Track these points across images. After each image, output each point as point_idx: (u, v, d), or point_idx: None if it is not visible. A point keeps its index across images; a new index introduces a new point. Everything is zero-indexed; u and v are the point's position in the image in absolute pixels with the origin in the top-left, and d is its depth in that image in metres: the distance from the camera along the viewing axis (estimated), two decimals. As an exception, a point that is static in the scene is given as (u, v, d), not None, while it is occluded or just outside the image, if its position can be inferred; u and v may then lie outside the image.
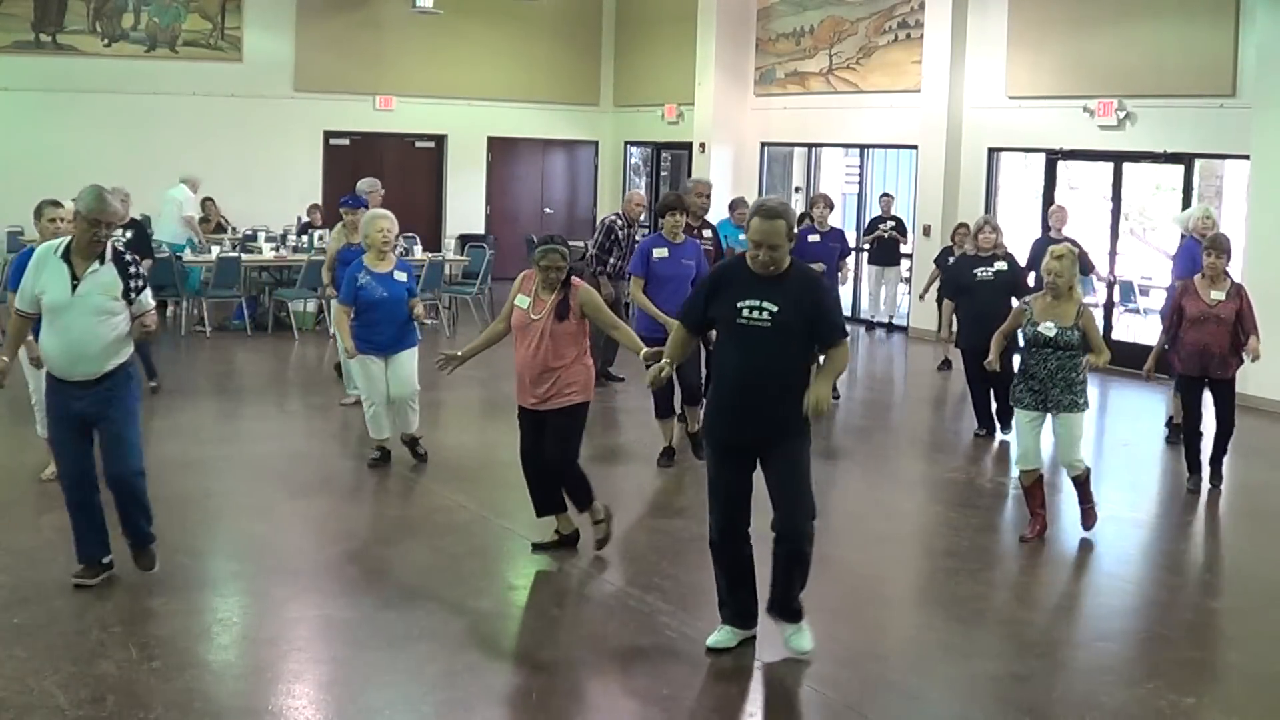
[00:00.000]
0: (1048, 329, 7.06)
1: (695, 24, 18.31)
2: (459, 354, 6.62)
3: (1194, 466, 8.46)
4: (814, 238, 10.95)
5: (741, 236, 11.59)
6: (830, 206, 11.24)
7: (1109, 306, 14.25)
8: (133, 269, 5.83)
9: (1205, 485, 8.43)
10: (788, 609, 5.37)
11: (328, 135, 19.03)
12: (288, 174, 18.08)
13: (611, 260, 10.99)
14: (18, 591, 5.92)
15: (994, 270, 9.56)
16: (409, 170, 19.88)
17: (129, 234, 10.55)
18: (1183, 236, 10.52)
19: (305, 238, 14.96)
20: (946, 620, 6.12)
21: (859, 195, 17.93)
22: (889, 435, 10.66)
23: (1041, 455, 7.28)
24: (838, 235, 11.26)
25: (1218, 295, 8.15)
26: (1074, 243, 11.36)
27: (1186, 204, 13.58)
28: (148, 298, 5.93)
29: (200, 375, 12.16)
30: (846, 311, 16.66)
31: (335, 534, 7.19)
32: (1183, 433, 8.72)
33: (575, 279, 6.44)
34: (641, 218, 11.61)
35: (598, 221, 11.82)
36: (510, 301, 6.50)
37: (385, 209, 8.80)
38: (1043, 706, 5.10)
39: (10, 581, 6.06)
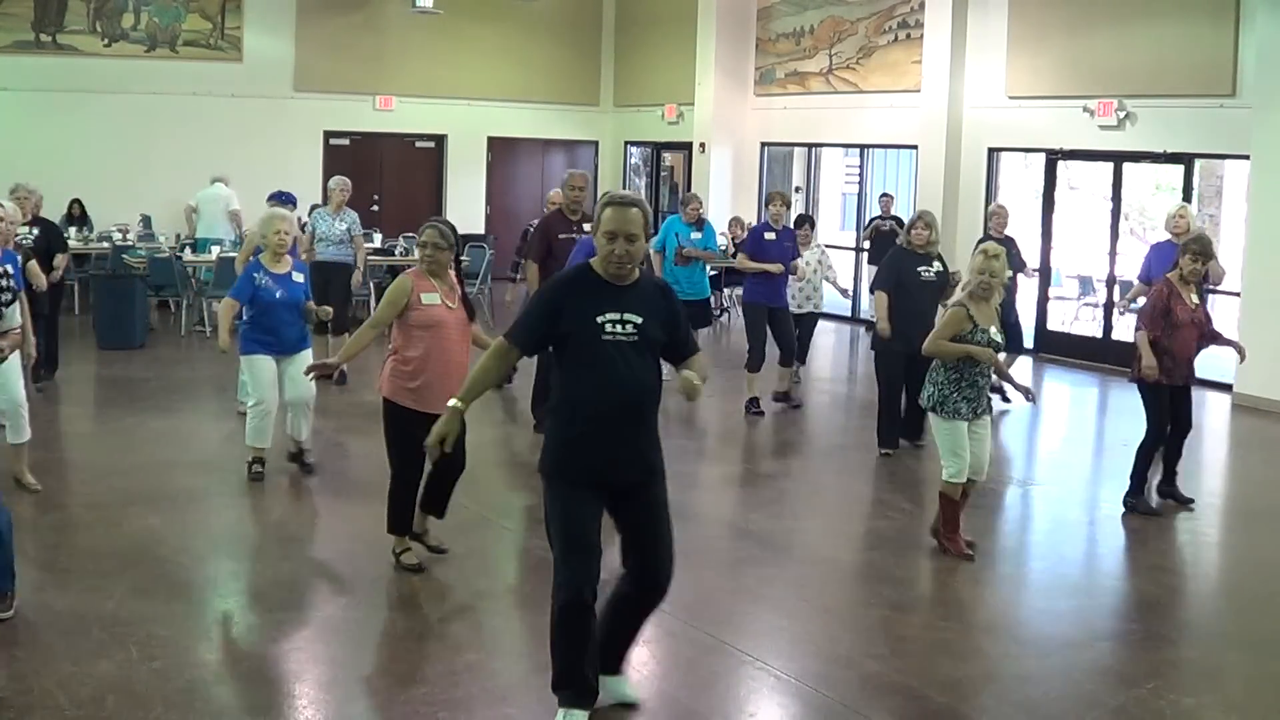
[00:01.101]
0: (997, 334, 6.78)
1: (695, 24, 18.33)
2: (332, 362, 6.46)
3: (1144, 485, 8.04)
4: (770, 235, 10.58)
5: (694, 235, 11.54)
6: (787, 205, 10.82)
7: (1109, 306, 14.25)
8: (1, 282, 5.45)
9: (1157, 501, 8.15)
10: (621, 661, 4.88)
11: (328, 135, 19.03)
12: (288, 174, 17.98)
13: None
14: (18, 591, 5.91)
15: (935, 270, 9.13)
16: (409, 170, 19.90)
17: (35, 231, 10.33)
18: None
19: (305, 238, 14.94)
20: (946, 620, 6.12)
21: (859, 195, 17.94)
22: (869, 434, 10.63)
23: None
24: (791, 235, 10.89)
25: (1194, 298, 7.87)
26: (1012, 242, 11.32)
27: (1185, 201, 13.62)
28: (14, 314, 5.52)
29: (200, 375, 12.16)
30: (845, 311, 16.66)
31: (335, 534, 7.19)
32: (1139, 449, 8.08)
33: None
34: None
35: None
36: (397, 301, 6.17)
37: (284, 212, 8.55)
38: (1043, 706, 5.10)
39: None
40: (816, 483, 8.93)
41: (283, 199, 10.62)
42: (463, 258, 16.73)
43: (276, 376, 7.98)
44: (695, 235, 11.51)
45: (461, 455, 6.23)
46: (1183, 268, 7.76)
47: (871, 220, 16.25)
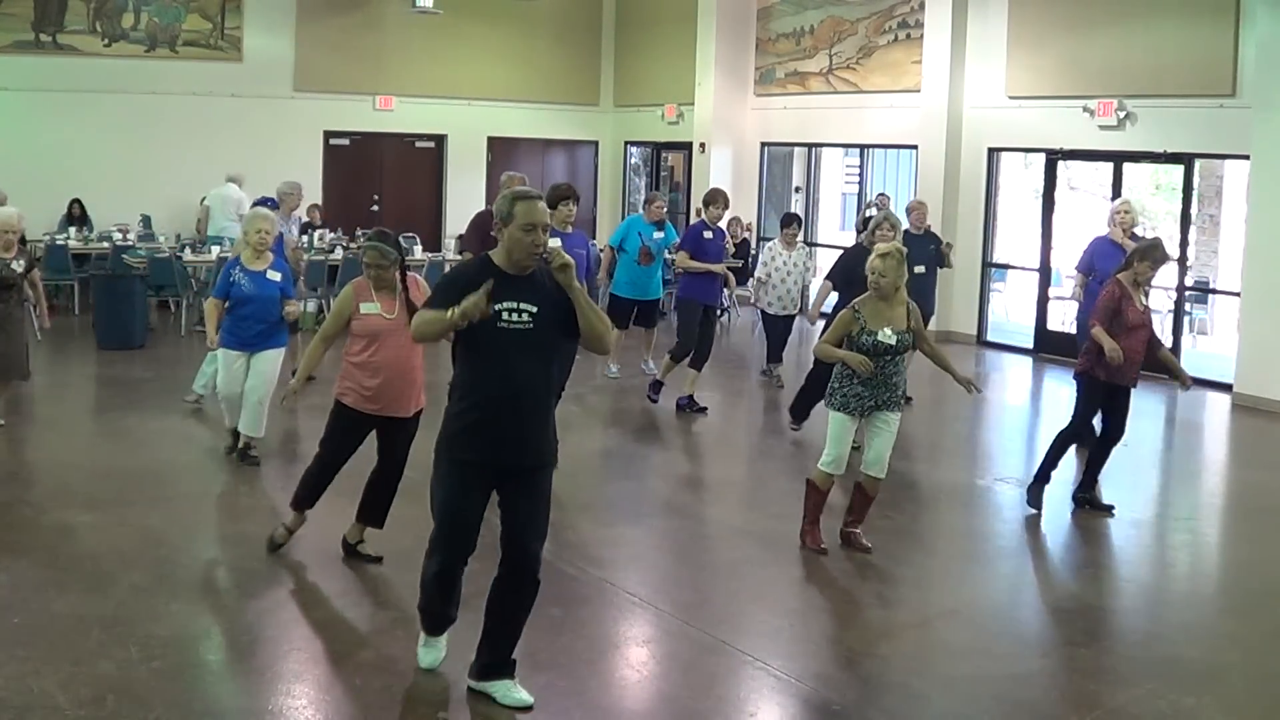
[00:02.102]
0: (887, 337, 6.63)
1: (695, 24, 18.32)
2: (297, 385, 6.44)
3: (1048, 476, 7.94)
4: (708, 234, 10.61)
5: (656, 235, 11.43)
6: (727, 205, 10.84)
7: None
8: None
9: (1051, 504, 7.96)
10: (509, 659, 4.94)
11: (328, 135, 19.03)
12: (288, 174, 17.91)
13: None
14: (18, 591, 5.92)
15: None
16: (409, 170, 19.89)
17: None
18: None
19: (305, 238, 14.95)
20: (946, 620, 6.12)
21: (859, 195, 17.93)
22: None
23: None
24: (723, 234, 10.99)
25: (1143, 300, 7.77)
26: (934, 238, 11.31)
27: (1187, 204, 13.62)
28: None
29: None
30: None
31: (335, 534, 7.18)
32: (1058, 439, 7.98)
33: (411, 275, 6.35)
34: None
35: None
36: (342, 311, 6.27)
37: (266, 212, 8.72)
38: (1043, 706, 5.10)
39: (10, 581, 6.06)
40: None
41: (271, 205, 10.93)
42: (461, 256, 16.86)
43: (243, 372, 8.25)
44: (657, 235, 11.44)
45: (401, 462, 6.45)
46: (1138, 273, 7.68)
47: (868, 221, 16.19)
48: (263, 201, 11.10)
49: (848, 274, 9.07)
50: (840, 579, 6.73)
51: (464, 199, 20.08)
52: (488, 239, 9.46)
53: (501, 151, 20.37)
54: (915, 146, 15.76)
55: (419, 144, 19.91)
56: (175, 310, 14.94)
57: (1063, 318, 15.92)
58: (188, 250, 15.14)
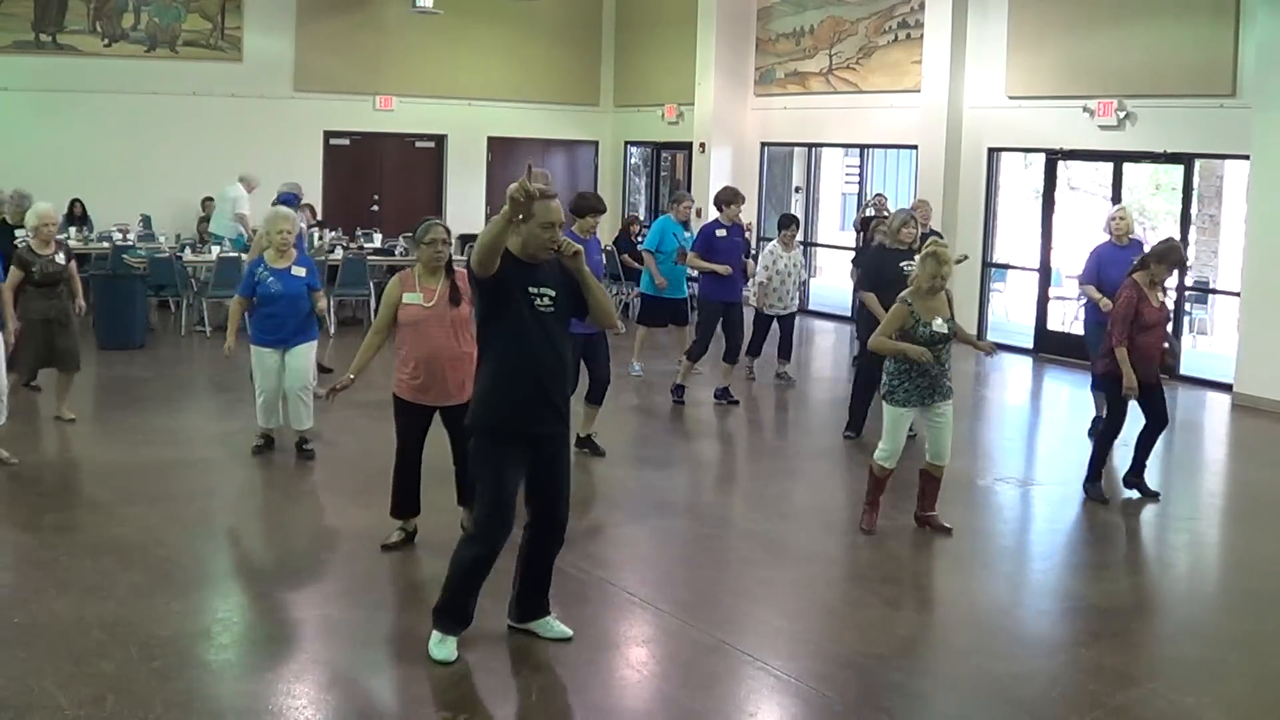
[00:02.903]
0: (940, 326, 7.02)
1: (695, 24, 18.32)
2: (350, 377, 6.54)
3: (1100, 473, 8.23)
4: (721, 232, 10.76)
5: (687, 234, 11.43)
6: (743, 202, 10.97)
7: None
8: None
9: (1124, 494, 8.25)
10: (546, 600, 5.50)
11: (328, 135, 19.03)
12: (288, 174, 17.98)
13: None
14: (18, 591, 5.92)
15: (916, 263, 9.26)
16: (409, 170, 19.90)
17: None
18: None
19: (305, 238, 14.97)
20: (946, 620, 6.12)
21: (859, 195, 17.93)
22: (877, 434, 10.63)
23: None
24: (741, 231, 11.10)
25: (1160, 297, 8.03)
26: (939, 235, 11.37)
27: (1187, 203, 13.62)
28: None
29: (200, 375, 12.17)
30: (847, 310, 16.65)
31: (335, 533, 7.19)
32: (1101, 438, 8.33)
33: (457, 267, 6.55)
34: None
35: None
36: (389, 306, 6.48)
37: (288, 211, 8.86)
38: (1043, 706, 5.10)
39: (10, 581, 6.06)
40: (816, 483, 8.93)
41: (287, 200, 11.04)
42: (461, 256, 16.89)
43: (279, 367, 8.40)
44: (687, 234, 11.48)
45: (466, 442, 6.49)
46: (1155, 275, 7.91)
47: (865, 222, 16.16)
48: (287, 199, 11.14)
49: (879, 277, 9.34)
50: (840, 579, 6.74)
51: (464, 199, 20.10)
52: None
53: (501, 151, 20.38)
54: (915, 146, 15.76)
55: (419, 144, 19.92)
56: (175, 310, 14.94)
57: (1063, 317, 15.94)
58: (188, 250, 15.15)
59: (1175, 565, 7.32)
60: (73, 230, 16.04)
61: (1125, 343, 7.88)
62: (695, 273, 11.23)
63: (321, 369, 11.38)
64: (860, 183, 18.01)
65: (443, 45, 19.32)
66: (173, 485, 7.95)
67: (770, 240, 12.80)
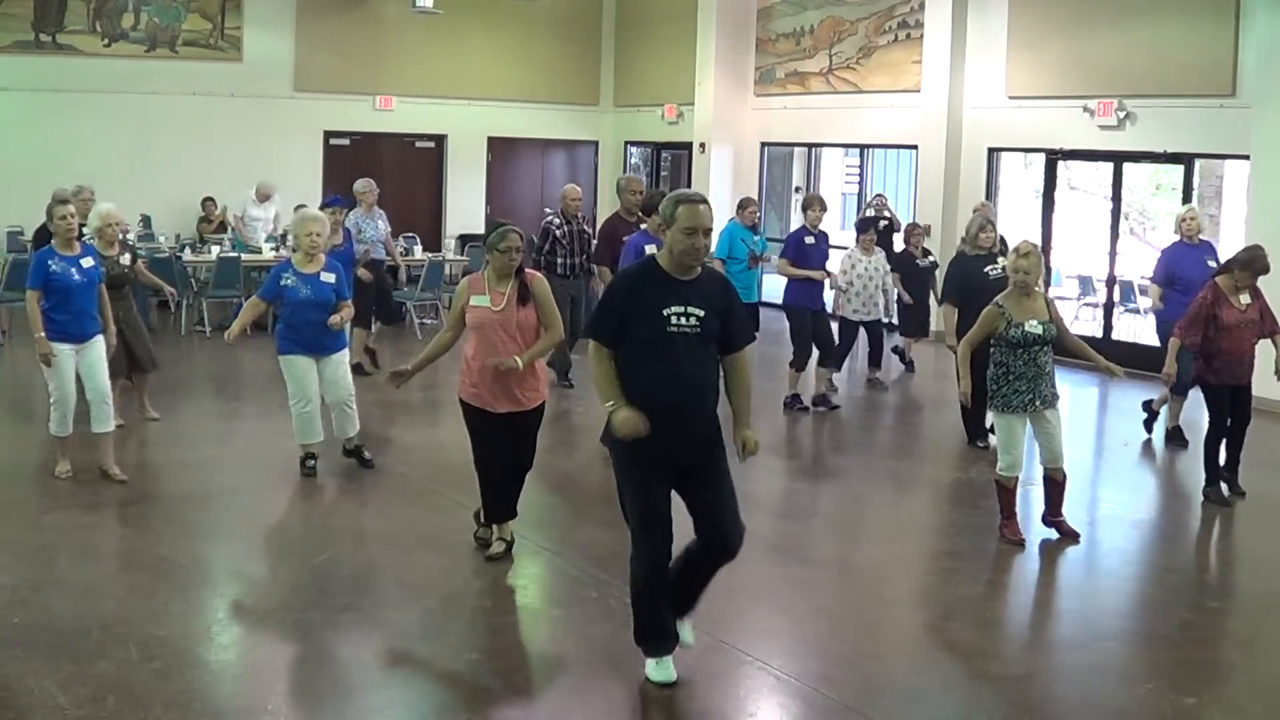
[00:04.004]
0: (1034, 327, 6.99)
1: (695, 24, 18.32)
2: (409, 368, 6.50)
3: (1217, 477, 8.27)
4: (810, 240, 10.71)
5: (756, 237, 11.48)
6: (824, 208, 10.90)
7: (1109, 307, 14.25)
8: None
9: (1227, 492, 8.28)
10: (692, 604, 5.27)
11: (328, 135, 19.02)
12: (288, 174, 18.06)
13: (559, 260, 10.93)
14: (18, 591, 5.92)
15: (1001, 267, 9.01)
16: (409, 170, 19.88)
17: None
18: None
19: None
20: (947, 620, 6.12)
21: (859, 195, 17.93)
22: (884, 435, 10.65)
23: None
24: (826, 238, 11.00)
25: (1245, 299, 8.06)
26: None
27: (1187, 204, 13.61)
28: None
29: (199, 375, 12.17)
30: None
31: (335, 534, 7.19)
32: (1206, 442, 8.34)
33: (526, 269, 6.44)
34: (579, 214, 11.29)
35: (541, 225, 11.45)
36: (458, 307, 6.42)
37: (317, 213, 8.57)
38: (1043, 706, 5.10)
39: (10, 581, 6.06)
40: (817, 483, 8.93)
41: (337, 204, 10.80)
42: (462, 256, 16.91)
43: (314, 374, 8.01)
44: (755, 238, 11.47)
45: (525, 457, 6.53)
46: (1238, 280, 8.03)
47: (863, 222, 16.09)
48: (333, 201, 10.88)
49: (963, 286, 9.17)
50: (840, 579, 6.74)
51: (464, 199, 20.10)
52: (616, 248, 9.70)
53: (501, 151, 20.38)
54: (915, 147, 15.76)
55: (419, 144, 19.91)
56: (175, 310, 14.93)
57: (1064, 317, 15.92)
58: (187, 250, 15.15)
59: (1176, 565, 7.32)
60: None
61: (1184, 339, 8.08)
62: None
63: (372, 359, 11.58)
64: (860, 183, 18.01)
65: (443, 45, 19.31)
66: (172, 485, 7.95)
67: (847, 249, 12.56)
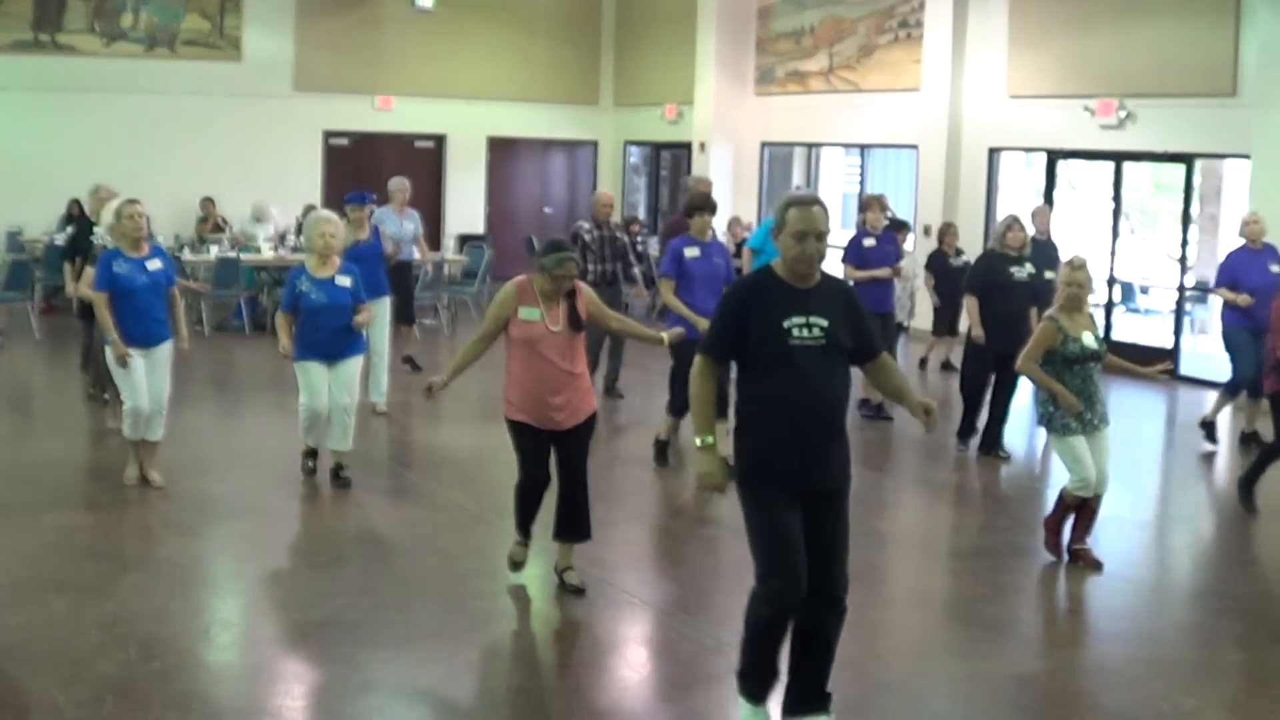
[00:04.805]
0: (1091, 342, 6.67)
1: (695, 24, 18.31)
2: (444, 379, 6.04)
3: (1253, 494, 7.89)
4: (869, 242, 10.33)
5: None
6: (884, 209, 10.52)
7: (1109, 307, 14.24)
8: None
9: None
10: (824, 693, 4.57)
11: (327, 135, 19.02)
12: (287, 174, 18.08)
13: (590, 268, 10.49)
14: (18, 591, 5.92)
15: (1027, 270, 9.11)
16: (409, 170, 19.68)
17: (70, 229, 10.57)
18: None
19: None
20: (947, 620, 6.12)
21: (859, 195, 17.92)
22: (888, 435, 10.64)
23: None
24: (892, 238, 10.66)
25: None
26: (1052, 244, 11.08)
27: (1187, 203, 13.61)
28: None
29: (200, 375, 12.16)
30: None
31: (335, 534, 7.19)
32: (1263, 454, 8.02)
33: (579, 284, 6.03)
34: (611, 219, 10.90)
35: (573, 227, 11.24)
36: (500, 314, 5.90)
37: (329, 214, 8.26)
38: (1043, 706, 5.10)
39: (10, 581, 6.06)
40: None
41: (359, 200, 10.27)
42: (461, 256, 16.91)
43: (325, 381, 7.76)
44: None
45: (580, 470, 6.06)
46: None
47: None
48: (358, 198, 10.27)
49: (986, 278, 9.07)
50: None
51: (464, 199, 20.10)
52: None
53: (501, 151, 20.38)
54: (915, 146, 15.75)
55: (419, 144, 19.91)
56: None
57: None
58: (187, 250, 15.14)
59: (1175, 565, 7.32)
60: (71, 230, 16.04)
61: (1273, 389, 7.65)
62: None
63: (413, 365, 11.53)
64: (860, 183, 18.00)
65: (443, 45, 19.31)
66: (172, 485, 7.94)
67: None
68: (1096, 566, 6.78)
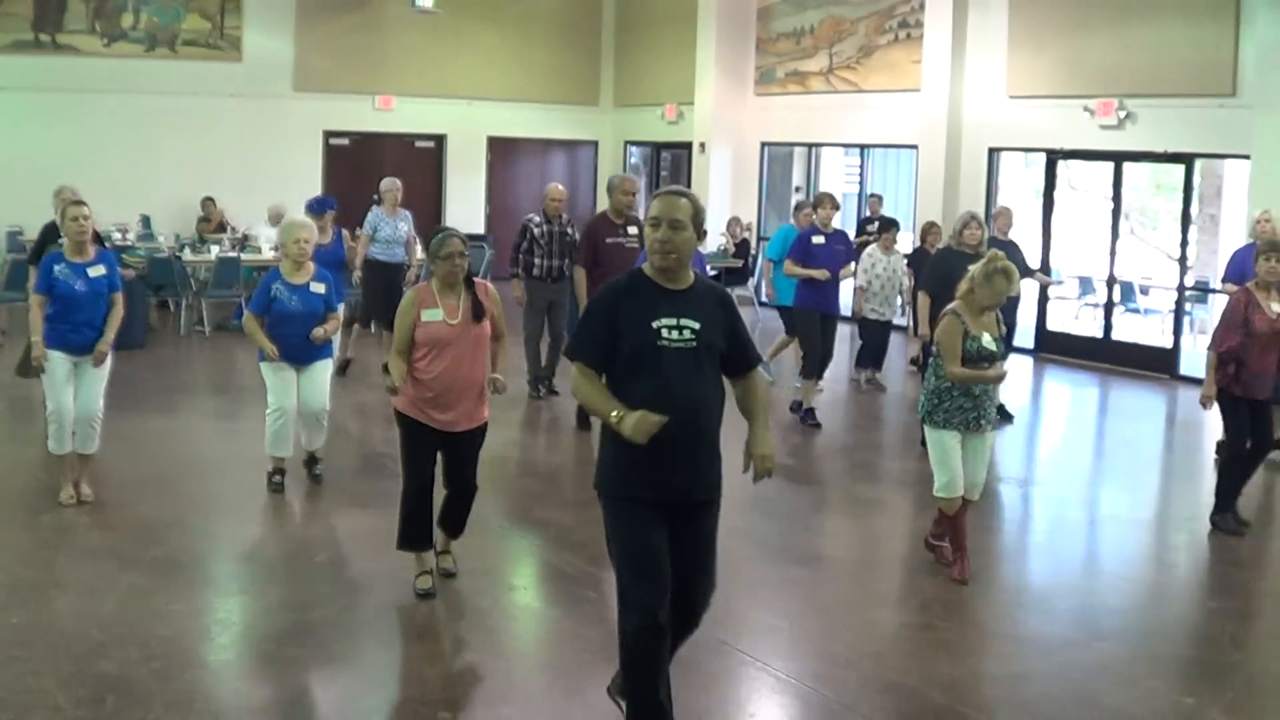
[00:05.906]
0: (989, 344, 6.43)
1: (695, 24, 18.33)
2: (399, 385, 5.89)
3: (1231, 504, 7.58)
4: (818, 239, 10.22)
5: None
6: (836, 207, 10.45)
7: (1109, 307, 14.24)
8: None
9: (1236, 521, 7.62)
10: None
11: (327, 135, 19.03)
12: (288, 174, 18.06)
13: (536, 262, 10.42)
14: (18, 592, 5.92)
15: None
16: (409, 170, 19.79)
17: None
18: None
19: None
20: (946, 620, 6.12)
21: (859, 195, 17.93)
22: (882, 434, 10.64)
23: None
24: (842, 238, 10.52)
25: (1276, 307, 7.27)
26: (1015, 246, 10.94)
27: (1187, 203, 13.62)
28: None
29: (200, 375, 12.17)
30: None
31: (336, 534, 7.18)
32: (1226, 463, 7.74)
33: (479, 279, 6.02)
34: (562, 214, 10.71)
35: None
36: (405, 324, 5.87)
37: (304, 220, 8.07)
38: (1041, 706, 5.10)
39: (10, 581, 6.06)
40: (816, 483, 8.92)
41: (319, 208, 10.31)
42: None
43: (294, 384, 7.68)
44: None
45: (471, 480, 6.11)
46: (1260, 271, 7.28)
47: (861, 223, 16.11)
48: (319, 206, 10.26)
49: (943, 280, 8.73)
50: (839, 580, 6.73)
51: (464, 199, 20.11)
52: (599, 250, 9.50)
53: (501, 151, 20.39)
54: (915, 146, 15.76)
55: (419, 144, 19.91)
56: (175, 310, 14.94)
57: (1063, 318, 15.94)
58: (187, 250, 15.15)
59: (1175, 565, 7.32)
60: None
61: (1220, 349, 7.29)
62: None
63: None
64: (860, 183, 18.01)
65: (443, 45, 19.32)
66: (173, 485, 7.94)
67: (870, 244, 12.39)
68: (961, 580, 6.48)
